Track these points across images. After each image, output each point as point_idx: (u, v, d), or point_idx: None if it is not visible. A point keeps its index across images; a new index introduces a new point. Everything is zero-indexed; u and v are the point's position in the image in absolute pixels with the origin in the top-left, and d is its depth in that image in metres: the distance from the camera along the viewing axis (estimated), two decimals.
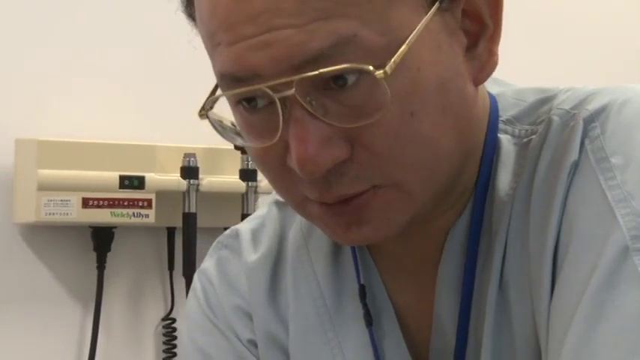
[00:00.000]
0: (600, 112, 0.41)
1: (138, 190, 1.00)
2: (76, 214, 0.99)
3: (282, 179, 0.41)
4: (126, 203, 0.99)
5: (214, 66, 0.40)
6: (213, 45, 0.39)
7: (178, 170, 1.05)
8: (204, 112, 0.41)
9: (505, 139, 0.47)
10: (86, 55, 1.08)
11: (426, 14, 0.38)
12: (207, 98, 0.41)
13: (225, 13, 0.37)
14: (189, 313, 0.58)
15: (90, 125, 1.07)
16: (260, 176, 1.05)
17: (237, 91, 0.38)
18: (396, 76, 0.36)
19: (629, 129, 0.40)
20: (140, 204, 1.01)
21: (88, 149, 1.04)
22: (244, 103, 0.39)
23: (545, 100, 0.46)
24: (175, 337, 1.03)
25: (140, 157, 1.05)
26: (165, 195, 1.02)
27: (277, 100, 0.36)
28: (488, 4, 0.41)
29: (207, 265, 0.57)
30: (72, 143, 1.04)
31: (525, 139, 0.46)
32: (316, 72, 0.35)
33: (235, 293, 0.56)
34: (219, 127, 0.43)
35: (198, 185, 1.05)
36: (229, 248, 0.57)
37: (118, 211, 0.99)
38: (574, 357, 0.37)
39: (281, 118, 0.36)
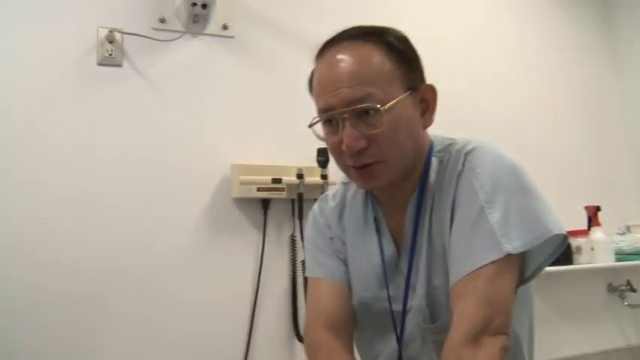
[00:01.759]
0: (471, 150, 0.93)
1: (278, 184, 1.90)
2: (255, 193, 1.89)
3: (339, 156, 0.95)
4: (274, 190, 1.91)
5: (317, 105, 0.95)
6: (316, 97, 0.94)
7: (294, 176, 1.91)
8: (311, 125, 0.97)
9: (435, 159, 0.99)
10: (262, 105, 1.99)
11: (405, 92, 0.92)
12: (312, 121, 0.96)
13: (322, 83, 0.94)
14: (308, 225, 1.17)
15: (259, 151, 1.96)
16: (330, 176, 1.94)
17: (324, 115, 0.93)
18: (390, 112, 0.89)
19: (482, 157, 0.92)
20: (277, 188, 1.91)
21: (258, 167, 1.90)
22: (327, 123, 0.94)
23: (452, 143, 0.99)
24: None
25: (279, 170, 1.92)
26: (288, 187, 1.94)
27: (340, 120, 0.91)
28: (432, 97, 0.97)
29: (315, 207, 1.17)
30: (251, 165, 1.90)
31: (442, 159, 0.99)
32: (354, 107, 0.90)
33: (325, 217, 1.15)
34: (316, 134, 0.98)
35: (303, 181, 1.92)
36: (322, 200, 1.17)
37: (271, 194, 1.91)
38: (460, 253, 0.88)
39: (341, 128, 0.90)
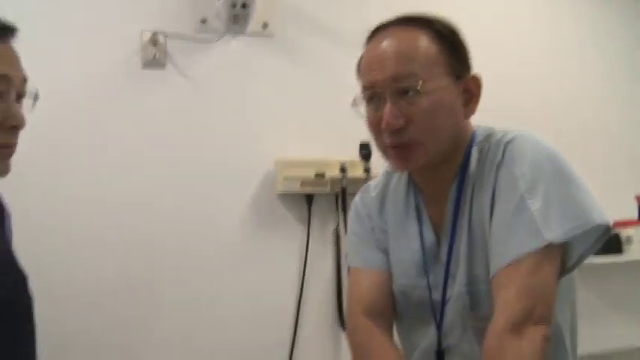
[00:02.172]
0: (511, 140, 0.94)
1: (321, 179, 1.95)
2: (298, 188, 1.94)
3: (378, 135, 0.96)
4: (317, 184, 1.97)
5: (361, 83, 0.97)
6: (362, 75, 0.98)
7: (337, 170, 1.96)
8: (355, 104, 0.98)
9: (475, 149, 1.00)
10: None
11: (448, 79, 0.95)
12: (356, 98, 0.98)
13: (369, 61, 0.97)
14: (350, 215, 1.18)
15: (302, 147, 2.00)
16: (372, 170, 1.97)
17: (368, 92, 0.96)
18: (431, 94, 0.92)
19: (522, 147, 0.93)
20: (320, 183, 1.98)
21: (302, 162, 1.95)
22: (370, 101, 0.96)
23: (492, 133, 1.00)
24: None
25: (322, 165, 1.97)
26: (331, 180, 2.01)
27: (382, 97, 0.93)
28: (476, 88, 0.98)
29: (357, 197, 1.17)
30: (295, 161, 1.95)
31: (483, 149, 0.99)
32: (397, 85, 0.92)
33: (367, 208, 1.15)
34: (359, 112, 0.99)
35: (346, 175, 1.96)
36: (364, 191, 1.17)
37: (314, 188, 1.95)
38: (501, 242, 0.89)
39: (382, 105, 0.93)
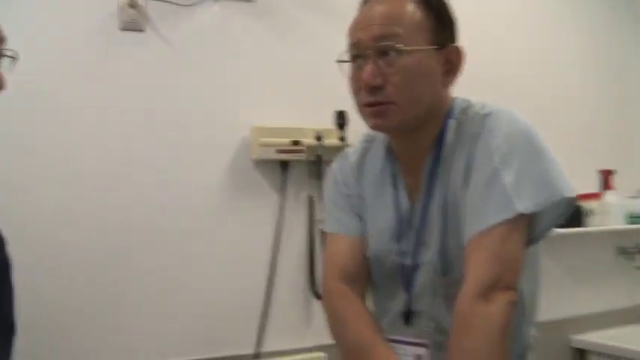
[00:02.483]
0: (488, 114, 0.98)
1: (297, 147, 1.95)
2: (274, 155, 1.93)
3: (357, 93, 0.99)
4: (293, 152, 1.96)
5: (349, 42, 1.01)
6: (349, 33, 1.00)
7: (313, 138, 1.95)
8: (340, 61, 1.02)
9: (453, 120, 1.03)
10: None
11: (430, 45, 0.97)
12: (340, 56, 1.02)
13: (357, 21, 1.00)
14: (327, 181, 1.23)
15: (279, 114, 1.98)
16: (348, 139, 1.97)
17: (352, 51, 1.00)
18: (410, 56, 0.95)
19: (499, 121, 0.96)
20: (296, 150, 1.96)
21: (278, 130, 1.93)
22: (354, 60, 0.99)
23: (470, 106, 1.03)
24: None
25: (298, 133, 1.94)
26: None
27: (364, 57, 0.97)
28: (457, 60, 1.01)
29: (334, 164, 1.21)
30: (271, 128, 1.93)
31: (460, 121, 1.02)
32: (379, 45, 0.95)
33: (344, 174, 1.18)
34: (343, 70, 1.02)
35: (322, 143, 1.96)
36: (342, 157, 1.20)
37: (290, 155, 1.95)
38: (474, 211, 0.94)
39: (363, 65, 0.97)
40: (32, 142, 1.74)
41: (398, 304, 1.11)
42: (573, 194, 0.95)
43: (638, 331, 2.49)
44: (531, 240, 1.00)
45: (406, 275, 1.08)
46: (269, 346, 1.99)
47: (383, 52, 0.98)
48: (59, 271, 1.74)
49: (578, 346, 2.41)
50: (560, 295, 2.42)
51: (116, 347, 1.80)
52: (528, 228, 0.96)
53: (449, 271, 1.02)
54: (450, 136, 1.04)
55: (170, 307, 1.87)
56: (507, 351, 0.91)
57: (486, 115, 1.00)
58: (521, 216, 0.92)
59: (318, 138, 1.98)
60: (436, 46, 1.00)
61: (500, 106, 1.01)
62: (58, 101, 1.78)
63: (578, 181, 2.39)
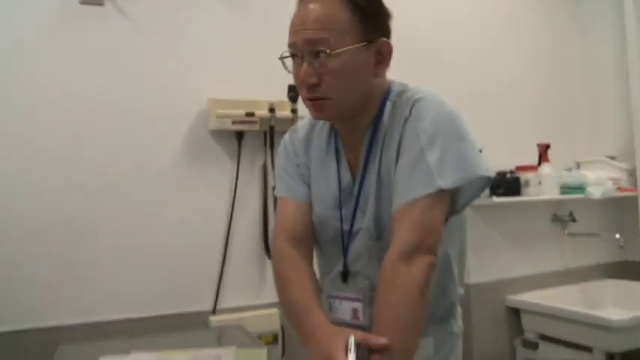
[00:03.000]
0: (418, 99, 1.09)
1: (251, 118, 2.09)
2: (230, 126, 2.03)
3: (300, 88, 1.09)
4: (247, 123, 2.08)
5: (288, 41, 1.09)
6: (289, 33, 1.09)
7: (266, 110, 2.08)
8: (281, 58, 1.11)
9: (389, 102, 1.12)
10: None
11: (359, 43, 1.05)
12: (282, 55, 1.10)
13: (293, 22, 1.08)
14: (279, 151, 1.32)
15: (234, 87, 2.09)
16: (299, 111, 2.11)
17: (290, 51, 1.09)
18: (339, 57, 1.04)
19: (427, 106, 1.07)
20: (250, 121, 2.07)
21: (233, 102, 2.04)
22: (293, 57, 1.08)
23: (405, 90, 1.13)
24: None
25: (252, 105, 2.07)
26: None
27: (300, 57, 1.07)
28: (387, 52, 1.09)
29: (286, 136, 1.30)
30: (227, 100, 2.04)
31: (395, 104, 1.12)
32: (311, 49, 1.05)
33: (294, 146, 1.28)
34: (285, 66, 1.12)
35: (274, 115, 2.09)
36: (292, 131, 1.30)
37: (245, 126, 2.08)
38: (401, 186, 1.06)
39: (300, 63, 1.06)
40: None
41: (338, 264, 1.22)
42: (489, 173, 1.09)
43: (568, 291, 2.69)
44: (454, 211, 1.14)
45: (345, 239, 1.20)
46: (226, 302, 2.12)
47: (316, 54, 1.06)
48: (25, 242, 1.84)
49: (513, 306, 2.59)
50: (497, 259, 2.60)
51: (83, 304, 1.92)
52: (451, 201, 1.09)
53: (381, 236, 1.13)
54: (385, 117, 1.14)
55: (133, 268, 1.99)
56: (425, 306, 1.03)
57: (417, 100, 1.10)
58: (442, 191, 1.04)
59: (272, 110, 2.10)
60: (365, 43, 1.08)
61: (432, 92, 1.12)
62: (17, 72, 1.85)
63: (518, 154, 2.63)
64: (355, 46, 1.06)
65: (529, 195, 2.57)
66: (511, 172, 2.59)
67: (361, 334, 0.98)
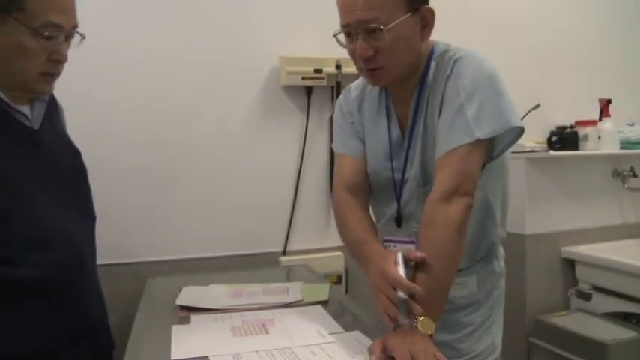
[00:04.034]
0: (458, 59, 1.19)
1: (319, 74, 2.26)
2: (299, 81, 2.18)
3: (355, 60, 1.22)
4: (316, 78, 2.23)
5: (340, 21, 1.19)
6: (339, 13, 1.19)
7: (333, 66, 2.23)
8: (335, 35, 1.23)
9: (433, 62, 1.23)
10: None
11: (406, 14, 1.15)
12: (336, 32, 1.22)
13: (342, 4, 1.17)
14: (335, 111, 1.45)
15: (303, 44, 2.22)
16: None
17: (345, 30, 1.20)
18: (391, 31, 1.13)
19: (466, 65, 1.17)
20: (318, 77, 2.24)
21: (303, 59, 2.19)
22: (347, 34, 1.20)
23: (447, 50, 1.24)
24: None
25: (320, 62, 2.20)
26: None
27: (354, 34, 1.17)
28: (431, 18, 1.19)
29: (340, 97, 1.44)
30: (296, 58, 2.18)
31: (439, 63, 1.23)
32: (365, 26, 1.14)
33: (348, 105, 1.41)
34: (339, 42, 1.24)
35: (341, 71, 2.24)
36: (346, 91, 1.43)
37: (313, 82, 2.28)
38: (443, 136, 1.18)
39: (355, 40, 1.17)
40: (90, 87, 2.00)
41: (391, 210, 1.35)
42: (520, 124, 1.20)
43: (625, 245, 2.71)
44: (491, 159, 1.26)
45: (397, 187, 1.33)
46: (295, 245, 2.32)
47: (369, 31, 1.15)
48: (117, 182, 2.07)
49: (568, 257, 2.64)
50: (555, 211, 2.66)
51: (169, 243, 2.16)
52: (487, 150, 1.20)
53: (427, 182, 1.24)
54: (430, 76, 1.24)
55: (213, 213, 2.20)
56: (463, 241, 1.14)
57: (458, 59, 1.19)
58: (479, 141, 1.14)
59: (338, 66, 2.22)
60: (411, 13, 1.16)
61: (471, 51, 1.21)
62: (104, 39, 2.00)
63: (579, 109, 2.66)
64: (403, 18, 1.15)
65: (588, 149, 2.60)
66: (571, 126, 2.63)
67: (406, 251, 1.13)
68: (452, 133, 1.16)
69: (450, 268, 1.14)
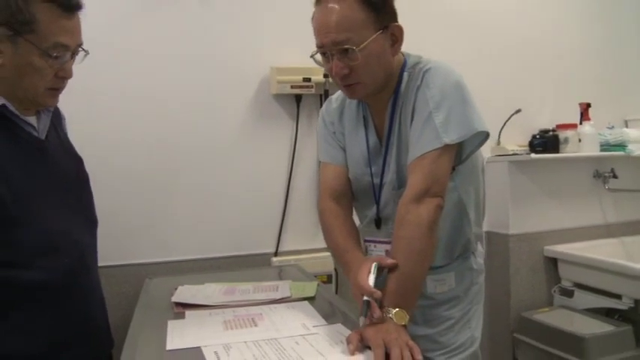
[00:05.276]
0: (428, 70, 1.27)
1: (308, 83, 2.39)
2: (289, 90, 2.25)
3: (333, 78, 1.29)
4: (305, 87, 2.30)
5: (316, 41, 1.27)
6: (314, 34, 1.26)
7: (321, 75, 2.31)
8: (312, 55, 1.35)
9: (406, 74, 1.31)
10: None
11: (376, 32, 1.22)
12: (313, 53, 1.32)
13: (317, 26, 1.24)
14: (318, 122, 1.51)
15: (292, 55, 2.25)
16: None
17: (320, 50, 1.27)
18: (363, 50, 1.21)
19: (435, 75, 1.25)
20: (307, 86, 2.31)
21: (292, 69, 2.24)
22: (323, 54, 1.28)
23: (418, 62, 1.31)
24: None
25: (308, 71, 2.26)
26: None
27: (330, 54, 1.25)
28: (399, 34, 1.26)
29: (322, 108, 1.51)
30: (286, 67, 2.25)
31: (411, 74, 1.31)
32: (339, 47, 1.22)
33: (330, 116, 1.48)
34: (316, 61, 1.45)
35: (328, 80, 2.31)
36: (327, 103, 1.50)
37: (302, 90, 2.41)
38: (414, 142, 1.25)
39: (331, 59, 1.25)
40: (95, 89, 2.09)
41: (371, 212, 1.42)
42: (485, 129, 1.28)
43: (605, 244, 2.79)
44: (459, 162, 1.33)
45: (375, 191, 1.39)
46: (286, 246, 2.40)
47: (343, 51, 1.22)
48: (118, 190, 2.14)
49: (551, 256, 2.72)
50: (537, 212, 2.73)
51: (165, 245, 2.23)
52: (456, 153, 1.27)
53: (401, 186, 1.30)
54: (403, 87, 1.31)
55: (208, 215, 2.28)
56: (434, 240, 1.21)
57: (427, 70, 1.27)
58: (447, 146, 1.22)
59: (325, 75, 2.30)
60: (381, 31, 1.23)
61: (440, 62, 1.28)
62: (115, 46, 2.13)
63: (561, 112, 2.73)
64: (373, 37, 1.21)
65: (569, 152, 2.66)
66: (552, 130, 2.72)
67: (379, 259, 1.21)
68: (422, 139, 1.23)
69: (422, 264, 1.20)
